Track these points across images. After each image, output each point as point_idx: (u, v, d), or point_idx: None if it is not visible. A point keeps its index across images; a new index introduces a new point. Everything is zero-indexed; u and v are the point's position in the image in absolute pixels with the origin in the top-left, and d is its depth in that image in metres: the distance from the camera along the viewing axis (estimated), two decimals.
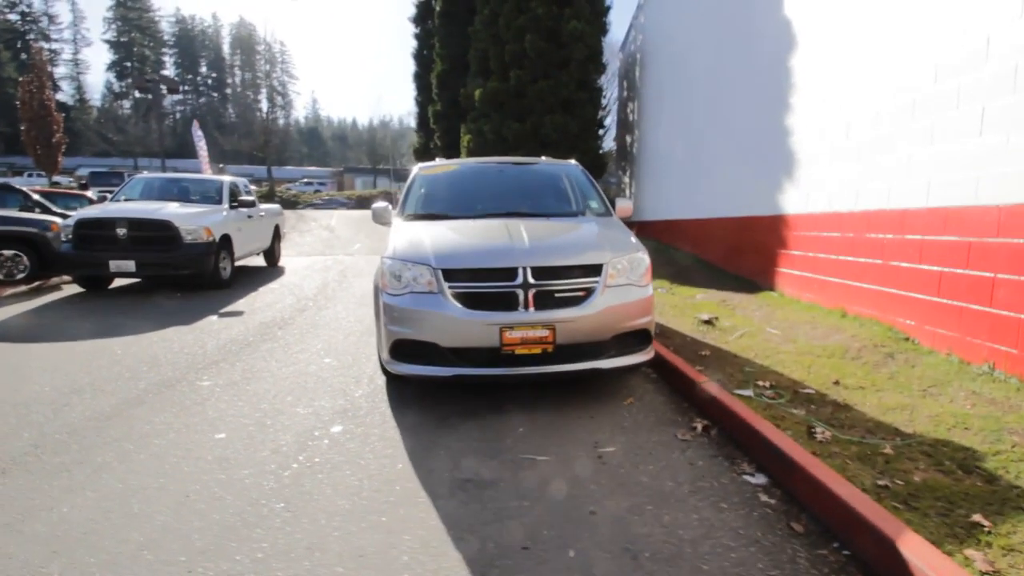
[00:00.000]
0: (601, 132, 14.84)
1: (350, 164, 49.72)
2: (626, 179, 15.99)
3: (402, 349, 3.06)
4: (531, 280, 2.98)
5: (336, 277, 9.11)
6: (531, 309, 2.95)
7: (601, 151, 15.07)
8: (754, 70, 6.48)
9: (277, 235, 10.83)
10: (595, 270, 3.11)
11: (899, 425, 2.68)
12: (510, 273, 3.00)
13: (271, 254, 10.53)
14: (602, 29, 13.91)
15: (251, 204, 9.11)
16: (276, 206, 11.41)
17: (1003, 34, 3.17)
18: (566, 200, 4.30)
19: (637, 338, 3.19)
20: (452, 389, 3.44)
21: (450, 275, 3.01)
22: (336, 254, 12.88)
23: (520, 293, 2.96)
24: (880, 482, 2.10)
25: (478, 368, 2.97)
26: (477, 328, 2.92)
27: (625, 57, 16.50)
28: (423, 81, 20.28)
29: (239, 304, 6.54)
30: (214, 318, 5.82)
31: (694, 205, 8.60)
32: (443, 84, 16.84)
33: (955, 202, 3.49)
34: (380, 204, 4.31)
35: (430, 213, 4.03)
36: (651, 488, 2.25)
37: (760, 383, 3.29)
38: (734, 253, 6.85)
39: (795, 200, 5.65)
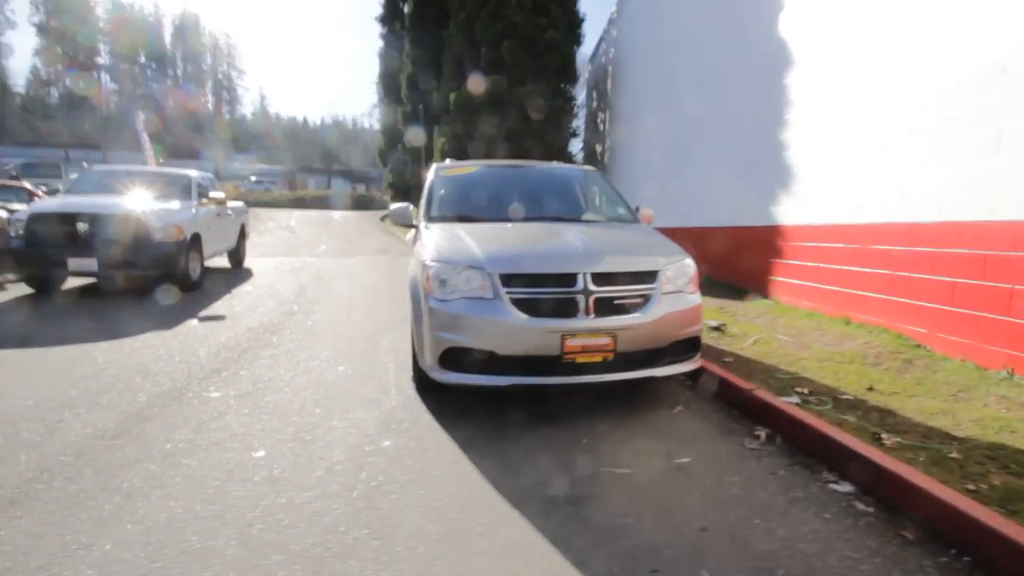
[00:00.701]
0: (572, 140, 15.04)
1: (303, 163, 48.04)
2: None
3: (452, 357, 2.89)
4: (591, 286, 2.89)
5: (311, 280, 8.69)
6: (592, 316, 2.86)
7: (573, 158, 15.26)
8: (750, 90, 6.70)
9: (243, 235, 10.25)
10: (651, 276, 3.05)
11: (948, 429, 2.76)
12: (570, 279, 2.90)
13: (236, 255, 9.93)
14: (576, 40, 14.11)
15: (220, 201, 8.56)
16: (241, 204, 10.78)
17: (1019, 59, 3.39)
18: (592, 205, 4.25)
19: (687, 345, 3.16)
20: (491, 399, 3.29)
21: (508, 280, 2.88)
22: (302, 255, 12.34)
23: (581, 299, 2.87)
24: (968, 486, 2.14)
25: (537, 377, 2.84)
26: (538, 336, 2.80)
27: (595, 68, 16.77)
28: (390, 81, 19.90)
29: (216, 307, 6.08)
30: (194, 323, 5.38)
31: (678, 214, 8.80)
32: (412, 86, 16.56)
33: (969, 217, 3.69)
34: (400, 205, 4.12)
35: (460, 215, 3.88)
36: (747, 500, 2.20)
37: (798, 389, 3.33)
38: (724, 262, 7.03)
39: (792, 211, 5.86)
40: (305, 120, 66.13)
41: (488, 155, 13.16)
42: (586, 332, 2.81)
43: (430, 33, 16.12)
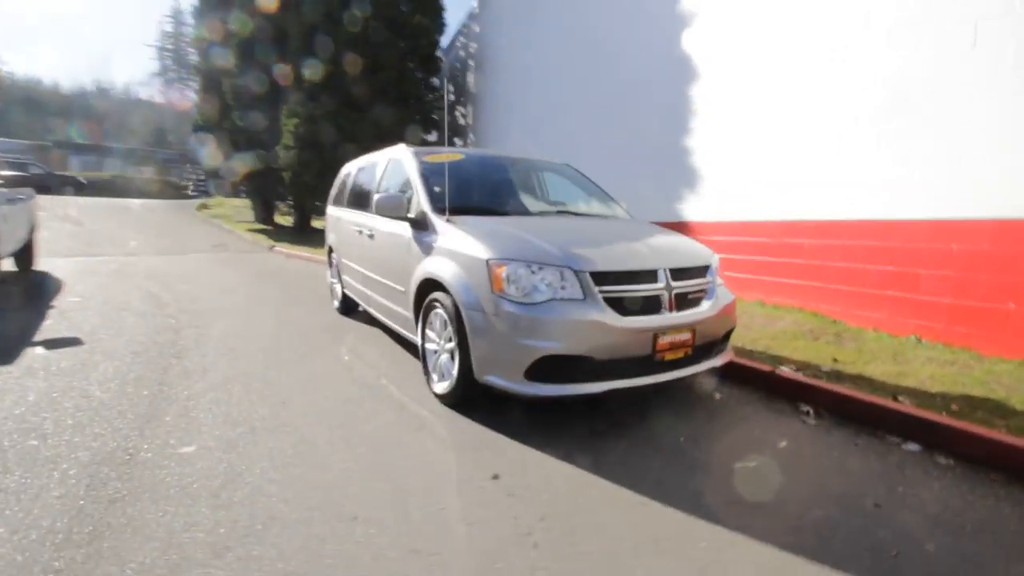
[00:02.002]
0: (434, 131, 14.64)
1: (52, 137, 37.69)
2: None
3: (545, 367, 2.58)
4: (672, 282, 2.86)
5: (156, 285, 7.07)
6: (674, 311, 2.83)
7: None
8: (655, 103, 7.29)
9: (34, 228, 7.80)
10: (707, 270, 3.14)
11: (922, 387, 3.40)
12: (652, 275, 2.83)
13: (25, 255, 7.53)
14: (439, 29, 13.73)
15: (11, 183, 6.36)
16: (29, 188, 8.15)
17: (920, 88, 4.31)
18: (595, 199, 4.18)
19: (726, 335, 3.33)
20: (536, 413, 3.04)
21: (599, 278, 2.67)
22: (111, 254, 9.96)
23: (664, 295, 2.82)
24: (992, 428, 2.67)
25: (632, 379, 2.70)
26: (633, 336, 2.66)
27: (451, 61, 16.56)
28: (210, 47, 16.81)
29: (54, 328, 4.53)
30: (40, 351, 3.92)
31: None
32: (246, 55, 14.24)
33: (876, 216, 4.59)
34: (392, 195, 3.54)
35: (476, 207, 3.47)
36: (873, 473, 2.42)
37: (784, 365, 3.78)
38: None
39: (699, 209, 6.58)
40: (56, 85, 52.24)
41: (346, 140, 12.09)
42: (673, 328, 2.77)
43: None
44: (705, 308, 2.98)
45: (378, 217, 4.15)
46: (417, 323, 3.40)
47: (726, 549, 1.84)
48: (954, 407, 3.02)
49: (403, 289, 3.61)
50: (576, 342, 2.57)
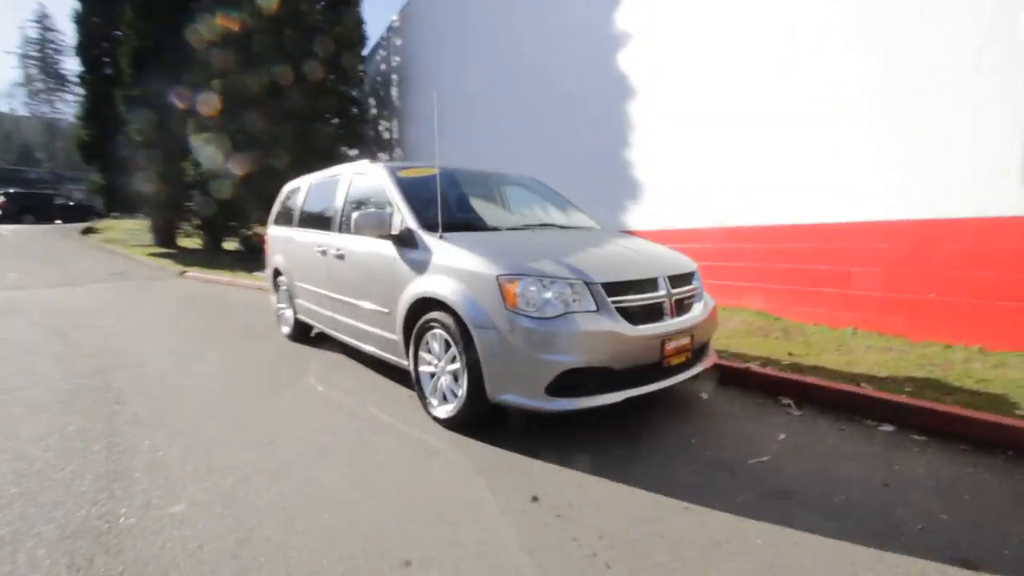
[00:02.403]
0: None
1: None
2: None
3: (566, 381, 2.56)
4: (672, 289, 2.96)
5: (57, 322, 6.26)
6: (675, 317, 2.93)
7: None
8: (592, 117, 7.57)
9: None
10: (693, 276, 3.29)
11: (872, 373, 3.77)
12: (653, 283, 2.92)
13: None
14: (361, 41, 13.39)
15: None
16: None
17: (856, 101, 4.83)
18: (568, 211, 4.23)
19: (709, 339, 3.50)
20: (534, 422, 3.02)
21: (611, 289, 2.71)
22: None
23: (666, 302, 2.91)
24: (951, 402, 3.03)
25: (644, 386, 2.75)
26: (644, 344, 2.73)
27: (372, 75, 16.17)
28: (92, 54, 15.07)
29: None
30: None
31: None
32: (140, 65, 12.91)
33: (813, 220, 5.07)
34: (374, 212, 3.38)
35: (464, 223, 3.40)
36: (867, 455, 2.64)
37: (748, 361, 4.05)
38: None
39: (641, 219, 6.90)
40: None
41: (268, 155, 11.40)
42: (677, 334, 2.87)
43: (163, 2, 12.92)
44: (698, 312, 3.12)
45: (348, 236, 3.94)
46: (408, 345, 3.25)
47: (781, 544, 1.92)
48: (908, 389, 3.39)
49: (386, 310, 3.44)
50: (596, 353, 2.59)
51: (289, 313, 5.32)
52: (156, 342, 5.33)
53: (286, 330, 5.42)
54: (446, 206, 3.55)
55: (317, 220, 4.60)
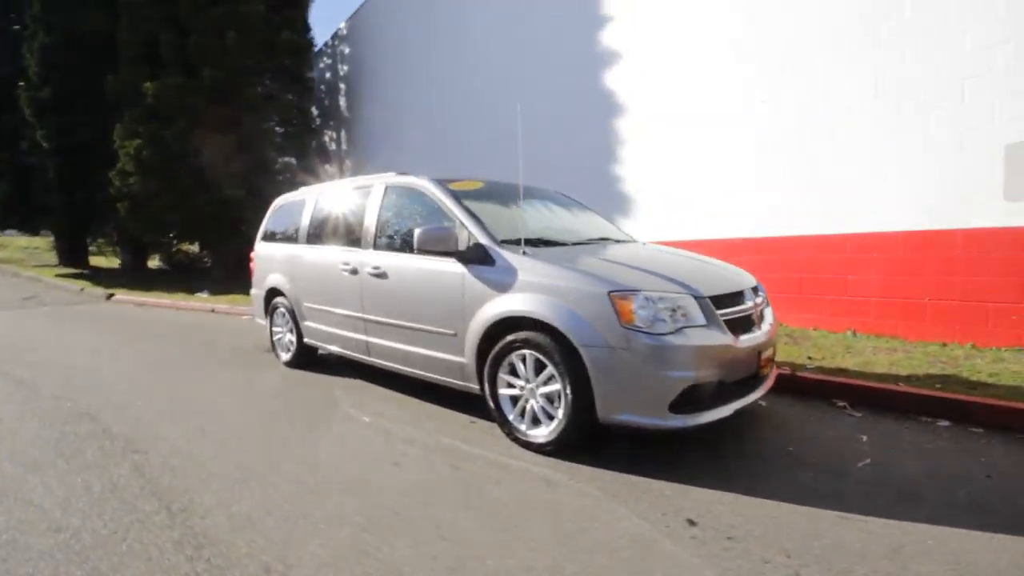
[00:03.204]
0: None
1: None
2: None
3: (687, 397, 2.52)
4: (757, 300, 3.03)
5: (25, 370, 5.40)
6: (761, 328, 2.99)
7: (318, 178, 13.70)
8: (568, 138, 7.67)
9: None
10: (759, 288, 3.39)
11: (895, 372, 4.06)
12: (743, 295, 2.97)
13: None
14: (309, 48, 12.78)
15: None
16: None
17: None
18: (609, 225, 4.22)
19: None
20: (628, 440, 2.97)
21: (716, 302, 2.71)
22: None
23: (754, 313, 2.97)
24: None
25: (747, 397, 2.78)
26: (747, 355, 2.76)
27: (317, 83, 15.44)
28: None
29: None
30: None
31: None
32: (50, 62, 11.39)
33: (806, 232, 5.43)
34: (438, 228, 3.18)
35: (537, 239, 3.28)
36: (948, 450, 2.82)
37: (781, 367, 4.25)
38: None
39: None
40: None
41: (207, 168, 10.52)
42: (766, 344, 2.94)
43: None
44: (771, 322, 3.21)
45: (389, 253, 3.69)
46: (483, 368, 3.07)
47: (950, 543, 1.98)
48: (937, 385, 3.69)
49: (451, 332, 3.24)
50: (712, 367, 2.58)
51: (290, 337, 4.88)
52: (129, 377, 4.68)
53: (286, 356, 4.96)
54: (512, 221, 3.44)
55: (336, 236, 4.28)
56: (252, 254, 5.54)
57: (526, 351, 2.86)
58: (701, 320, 2.65)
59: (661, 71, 6.62)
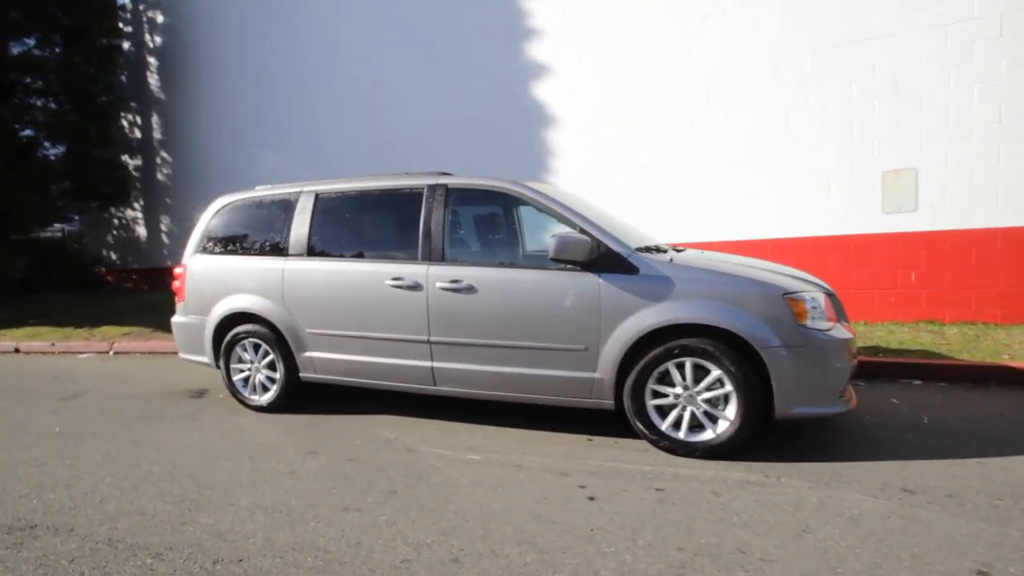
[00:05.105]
0: None
1: None
2: (134, 211, 11.79)
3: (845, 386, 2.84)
4: None
5: None
6: None
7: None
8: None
9: None
10: None
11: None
12: None
13: None
14: (113, 11, 10.04)
15: None
16: None
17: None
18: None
19: None
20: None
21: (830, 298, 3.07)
22: None
23: None
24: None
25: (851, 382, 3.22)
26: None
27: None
28: None
29: None
30: None
31: None
32: None
33: (729, 239, 6.39)
34: (572, 236, 2.94)
35: (653, 246, 3.26)
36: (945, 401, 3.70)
37: None
38: None
39: None
40: None
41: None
42: None
43: None
44: None
45: (472, 266, 3.25)
46: (625, 380, 2.94)
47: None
48: (879, 354, 4.77)
49: (581, 347, 3.01)
50: (855, 357, 2.94)
51: (268, 375, 3.87)
52: (49, 461, 3.15)
53: (260, 398, 3.92)
54: (610, 225, 3.34)
55: (366, 247, 3.57)
56: (178, 271, 4.19)
57: (686, 359, 2.85)
58: (833, 315, 3.00)
59: (592, 94, 7.04)
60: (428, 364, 3.37)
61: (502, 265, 3.21)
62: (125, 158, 11.74)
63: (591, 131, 7.04)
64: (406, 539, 2.18)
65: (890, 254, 5.65)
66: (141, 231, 11.86)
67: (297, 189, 3.88)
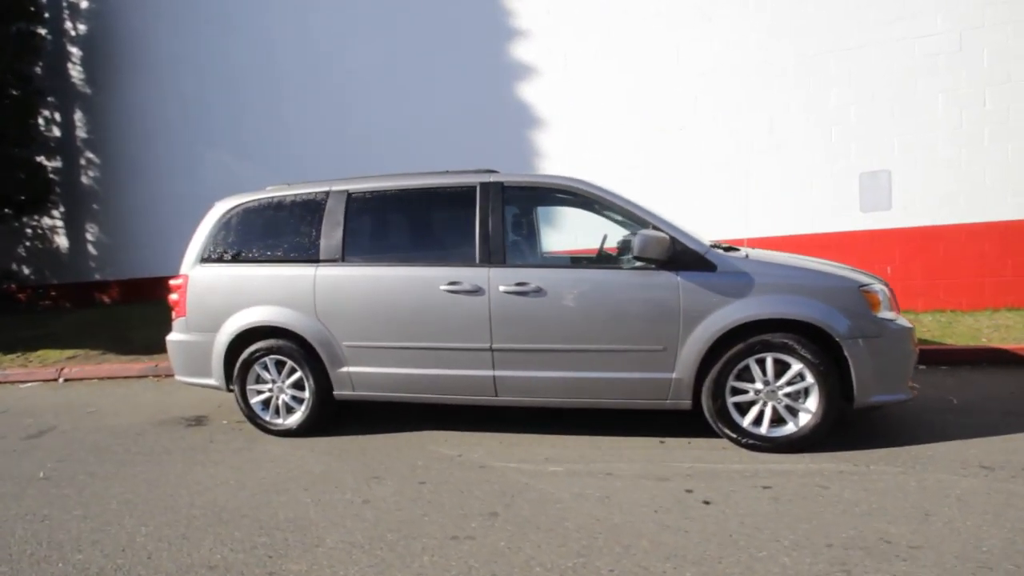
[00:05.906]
0: None
1: None
2: (53, 219, 10.45)
3: None
4: None
5: None
6: None
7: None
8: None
9: None
10: None
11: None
12: None
13: None
14: None
15: None
16: None
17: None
18: None
19: None
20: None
21: None
22: None
23: None
24: None
25: None
26: None
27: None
28: None
29: None
30: None
31: None
32: None
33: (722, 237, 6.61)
34: (654, 234, 2.87)
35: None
36: (959, 383, 3.98)
37: None
38: None
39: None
40: None
41: None
42: None
43: None
44: None
45: (537, 268, 3.12)
46: (704, 378, 2.92)
47: None
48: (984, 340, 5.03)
49: (659, 347, 2.95)
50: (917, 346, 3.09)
51: (294, 394, 3.50)
52: (51, 512, 2.64)
53: (288, 420, 3.53)
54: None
55: (409, 250, 3.34)
56: (176, 283, 3.70)
57: (767, 354, 2.86)
58: (894, 305, 3.14)
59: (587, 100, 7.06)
60: (490, 373, 3.17)
61: (570, 266, 3.08)
62: (42, 159, 10.39)
63: (578, 133, 7.05)
64: (545, 566, 2.00)
65: (867, 250, 6.06)
66: (61, 241, 10.53)
67: (324, 188, 3.54)
